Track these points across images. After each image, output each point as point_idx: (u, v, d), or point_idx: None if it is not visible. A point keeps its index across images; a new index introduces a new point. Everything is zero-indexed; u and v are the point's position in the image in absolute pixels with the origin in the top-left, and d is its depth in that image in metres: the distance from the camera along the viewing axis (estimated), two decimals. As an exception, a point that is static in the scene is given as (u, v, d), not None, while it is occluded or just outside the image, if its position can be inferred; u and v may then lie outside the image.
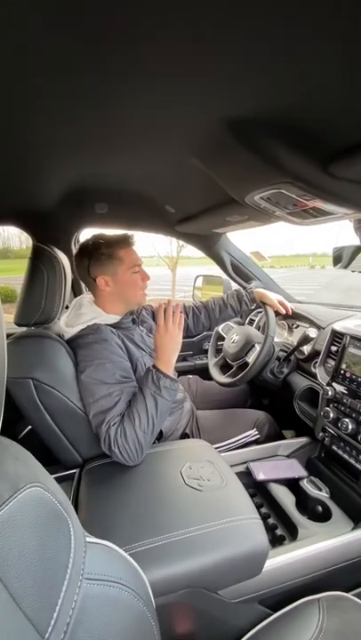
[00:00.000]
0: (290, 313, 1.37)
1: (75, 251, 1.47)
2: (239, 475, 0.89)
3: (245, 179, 0.65)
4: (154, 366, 0.86)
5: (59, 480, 0.85)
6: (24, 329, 0.93)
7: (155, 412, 0.80)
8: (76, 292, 1.55)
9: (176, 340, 0.89)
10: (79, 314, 0.97)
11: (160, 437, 1.00)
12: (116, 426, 0.79)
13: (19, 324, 0.91)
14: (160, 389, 0.81)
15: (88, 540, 0.37)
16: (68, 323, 0.98)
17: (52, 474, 0.40)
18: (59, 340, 0.90)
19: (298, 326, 1.42)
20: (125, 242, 0.97)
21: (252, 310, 1.45)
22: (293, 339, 1.40)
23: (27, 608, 0.27)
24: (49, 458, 0.76)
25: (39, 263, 0.87)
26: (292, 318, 1.46)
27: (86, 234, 1.49)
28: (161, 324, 0.89)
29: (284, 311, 1.35)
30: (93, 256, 0.96)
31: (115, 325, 0.97)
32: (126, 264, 0.96)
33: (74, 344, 0.93)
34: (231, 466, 0.89)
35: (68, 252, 1.41)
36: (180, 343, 0.89)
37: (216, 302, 1.35)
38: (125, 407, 0.83)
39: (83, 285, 1.56)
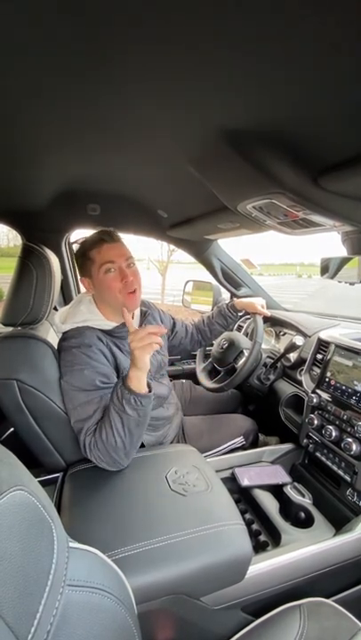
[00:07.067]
0: (268, 315, 1.35)
1: (65, 251, 1.46)
2: (224, 480, 0.89)
3: (238, 187, 0.67)
4: (122, 380, 0.77)
5: (42, 484, 0.83)
6: (10, 329, 0.91)
7: (121, 429, 0.75)
8: (65, 293, 1.53)
9: (137, 356, 0.76)
10: (76, 311, 0.94)
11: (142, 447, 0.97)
12: (90, 436, 0.78)
13: (5, 324, 0.89)
14: (123, 406, 0.74)
15: (71, 545, 0.37)
16: (64, 318, 0.95)
17: (34, 477, 0.39)
18: (45, 342, 0.88)
19: (285, 334, 1.45)
20: (98, 241, 0.89)
21: (241, 317, 1.47)
22: (280, 346, 1.42)
23: (6, 615, 0.26)
24: (32, 461, 0.75)
25: (28, 262, 0.86)
26: (279, 326, 1.48)
27: (78, 234, 1.48)
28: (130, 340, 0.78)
29: (268, 314, 1.35)
30: (76, 256, 0.95)
31: (107, 332, 0.93)
32: (97, 264, 0.89)
33: (59, 346, 0.91)
34: (217, 471, 0.89)
35: (58, 252, 1.39)
36: (144, 362, 0.76)
37: (205, 322, 1.37)
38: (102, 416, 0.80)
39: (72, 287, 1.54)
